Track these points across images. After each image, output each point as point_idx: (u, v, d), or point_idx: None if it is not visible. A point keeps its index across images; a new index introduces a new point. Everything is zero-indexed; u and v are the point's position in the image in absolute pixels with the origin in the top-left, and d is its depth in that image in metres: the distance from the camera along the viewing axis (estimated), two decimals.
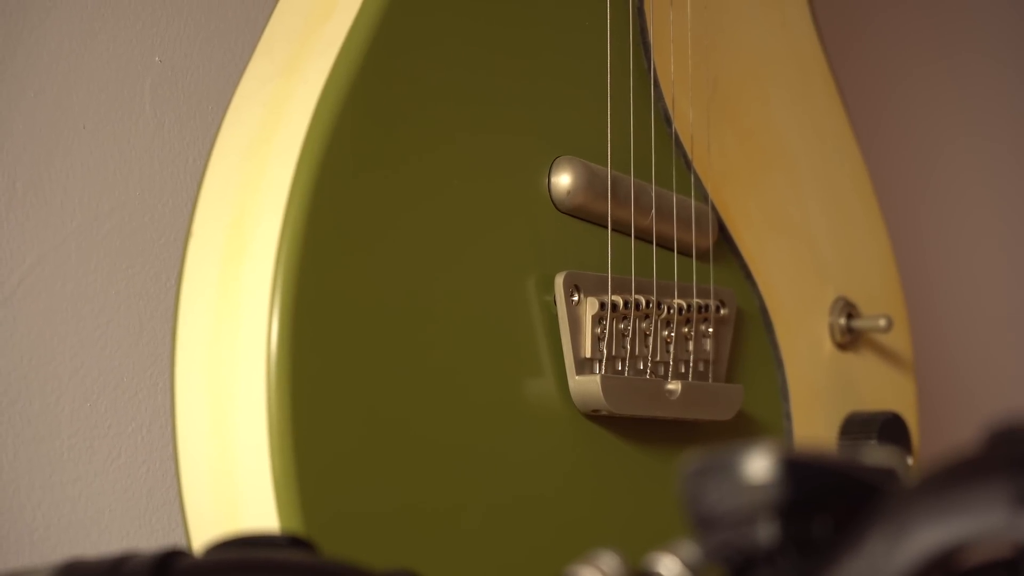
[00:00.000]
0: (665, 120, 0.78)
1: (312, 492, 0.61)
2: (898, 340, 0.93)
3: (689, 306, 0.76)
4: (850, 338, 0.89)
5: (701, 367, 0.78)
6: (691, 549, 0.40)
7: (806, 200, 0.89)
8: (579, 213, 0.73)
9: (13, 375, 0.74)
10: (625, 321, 0.73)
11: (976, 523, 0.35)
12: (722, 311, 0.79)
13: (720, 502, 0.39)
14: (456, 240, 0.68)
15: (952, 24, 1.32)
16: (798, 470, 0.39)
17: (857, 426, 0.87)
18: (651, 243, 0.76)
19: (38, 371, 0.75)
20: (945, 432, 1.12)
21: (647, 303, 0.74)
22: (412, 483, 0.65)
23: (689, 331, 0.77)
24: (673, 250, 0.77)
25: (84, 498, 0.76)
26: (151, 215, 0.79)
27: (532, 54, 0.72)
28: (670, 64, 0.78)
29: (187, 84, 0.81)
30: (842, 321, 0.89)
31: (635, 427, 0.74)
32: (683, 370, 0.76)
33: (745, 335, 0.82)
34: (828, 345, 0.88)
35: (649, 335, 0.74)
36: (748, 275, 0.83)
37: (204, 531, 0.63)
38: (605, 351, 0.72)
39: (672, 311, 0.75)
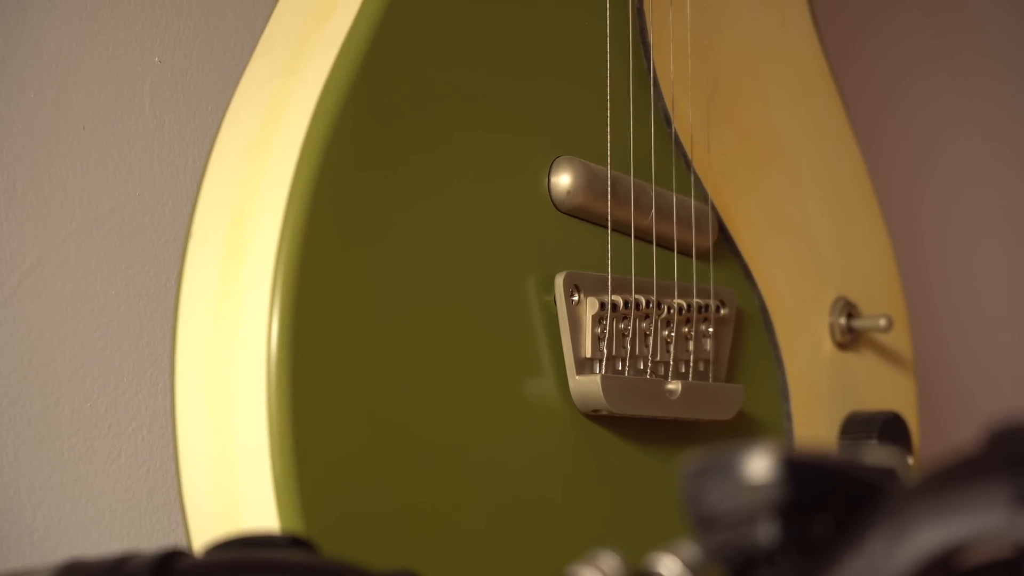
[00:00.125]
0: (665, 120, 0.78)
1: (312, 492, 0.61)
2: (898, 340, 0.93)
3: (689, 306, 0.76)
4: (850, 338, 0.89)
5: (701, 367, 0.78)
6: (691, 549, 0.40)
7: (806, 200, 0.89)
8: (579, 213, 0.73)
9: (13, 375, 0.74)
10: (625, 321, 0.73)
11: (976, 523, 0.35)
12: (722, 311, 0.79)
13: (720, 502, 0.39)
14: (456, 240, 0.68)
15: (952, 24, 1.32)
16: (798, 470, 0.39)
17: (857, 426, 0.87)
18: (651, 243, 0.76)
19: (38, 371, 0.75)
20: (945, 432, 1.12)
21: (647, 303, 0.74)
22: (412, 483, 0.65)
23: (689, 331, 0.77)
24: (673, 250, 0.77)
25: (84, 498, 0.76)
26: (151, 215, 0.79)
27: (532, 54, 0.72)
28: (670, 64, 0.78)
29: (187, 84, 0.81)
30: (842, 321, 0.89)
31: (635, 427, 0.74)
32: (683, 370, 0.76)
33: (745, 335, 0.82)
34: (828, 345, 0.88)
35: (649, 335, 0.74)
36: (748, 275, 0.83)
37: (204, 531, 0.63)
38: (605, 351, 0.72)
39: (672, 311, 0.75)
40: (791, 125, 0.88)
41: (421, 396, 0.66)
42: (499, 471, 0.69)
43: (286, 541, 0.46)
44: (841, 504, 0.39)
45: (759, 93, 0.86)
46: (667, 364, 0.76)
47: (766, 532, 0.39)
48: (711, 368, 0.78)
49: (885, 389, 0.92)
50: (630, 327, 0.73)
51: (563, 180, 0.72)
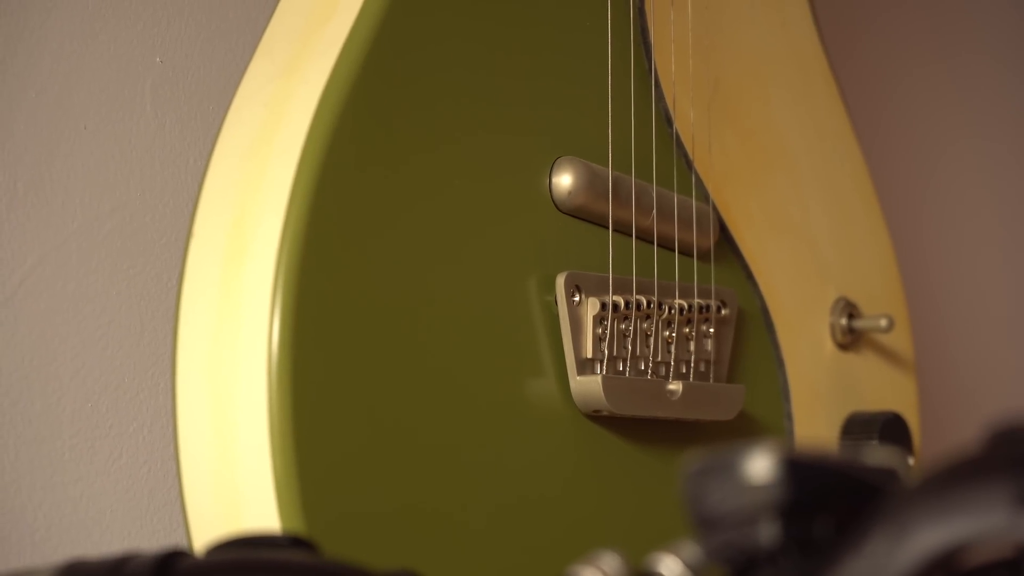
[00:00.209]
0: (666, 120, 0.78)
1: (313, 492, 0.61)
2: (899, 340, 0.93)
3: (690, 306, 0.76)
4: (851, 338, 0.89)
5: (702, 367, 0.78)
6: (692, 549, 0.40)
7: (807, 200, 0.89)
8: (580, 213, 0.73)
9: (14, 376, 0.74)
10: (626, 321, 0.73)
11: (977, 523, 0.35)
12: (723, 311, 0.79)
13: (722, 502, 0.39)
14: (457, 240, 0.68)
15: (953, 24, 1.32)
16: (799, 470, 0.39)
17: (858, 426, 0.87)
18: (652, 243, 0.76)
19: (39, 371, 0.75)
20: (946, 432, 1.12)
21: (648, 303, 0.74)
22: (413, 483, 0.65)
23: (690, 331, 0.77)
24: (674, 250, 0.77)
25: (85, 499, 0.76)
26: (152, 215, 0.79)
27: (533, 54, 0.72)
28: (671, 64, 0.78)
29: (188, 84, 0.81)
30: (843, 321, 0.89)
31: (636, 427, 0.74)
32: (684, 370, 0.76)
33: (746, 335, 0.82)
34: (829, 345, 0.88)
35: (650, 335, 0.74)
36: (749, 275, 0.83)
37: (205, 531, 0.63)
38: (606, 351, 0.72)
39: (673, 311, 0.75)
40: (792, 125, 0.88)
41: (422, 396, 0.66)
42: (500, 471, 0.69)
43: (287, 541, 0.46)
44: (842, 504, 0.39)
45: (760, 93, 0.86)
46: (668, 364, 0.76)
47: (767, 532, 0.39)
48: (712, 368, 0.78)
49: (886, 389, 0.92)
50: (631, 327, 0.73)
51: (564, 180, 0.72)
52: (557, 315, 0.71)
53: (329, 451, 0.62)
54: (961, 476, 0.36)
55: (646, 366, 0.74)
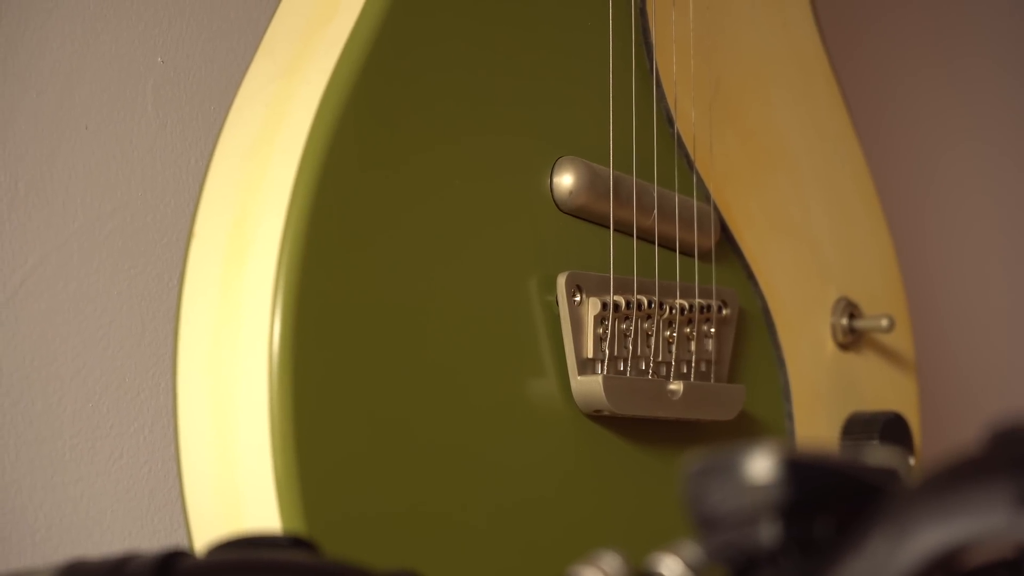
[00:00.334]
0: (667, 120, 0.78)
1: (314, 492, 0.61)
2: (900, 340, 0.93)
3: (691, 306, 0.76)
4: (852, 338, 0.89)
5: (703, 367, 0.78)
6: (693, 549, 0.40)
7: (808, 200, 0.89)
8: (581, 213, 0.73)
9: (15, 375, 0.74)
10: (627, 321, 0.73)
11: (978, 523, 0.35)
12: (724, 311, 0.79)
13: (722, 502, 0.39)
14: (458, 240, 0.68)
15: (954, 26, 1.32)
16: (800, 470, 0.39)
17: (859, 426, 0.87)
18: (653, 243, 0.76)
19: (40, 371, 0.75)
20: (947, 432, 1.12)
21: (649, 303, 0.74)
22: (414, 483, 0.65)
23: (691, 331, 0.77)
24: (675, 250, 0.77)
25: (86, 499, 0.76)
26: (153, 215, 0.79)
27: (534, 54, 0.72)
28: (672, 64, 0.78)
29: (189, 84, 0.81)
30: (844, 321, 0.89)
31: (637, 427, 0.74)
32: (685, 370, 0.76)
33: (747, 335, 0.82)
34: (830, 345, 0.88)
35: (651, 335, 0.74)
36: (750, 275, 0.83)
37: (206, 532, 0.63)
38: (607, 351, 0.72)
39: (674, 311, 0.75)
40: (793, 125, 0.88)
41: (423, 396, 0.66)
42: (501, 471, 0.69)
43: (288, 541, 0.46)
44: (843, 504, 0.39)
45: (762, 93, 0.86)
46: (669, 364, 0.76)
47: (768, 532, 0.39)
48: (713, 368, 0.78)
49: (887, 389, 0.92)
50: (632, 327, 0.73)
51: (565, 180, 0.72)
52: (558, 315, 0.71)
53: (329, 451, 0.62)
54: (962, 476, 0.36)
55: (647, 366, 0.74)
